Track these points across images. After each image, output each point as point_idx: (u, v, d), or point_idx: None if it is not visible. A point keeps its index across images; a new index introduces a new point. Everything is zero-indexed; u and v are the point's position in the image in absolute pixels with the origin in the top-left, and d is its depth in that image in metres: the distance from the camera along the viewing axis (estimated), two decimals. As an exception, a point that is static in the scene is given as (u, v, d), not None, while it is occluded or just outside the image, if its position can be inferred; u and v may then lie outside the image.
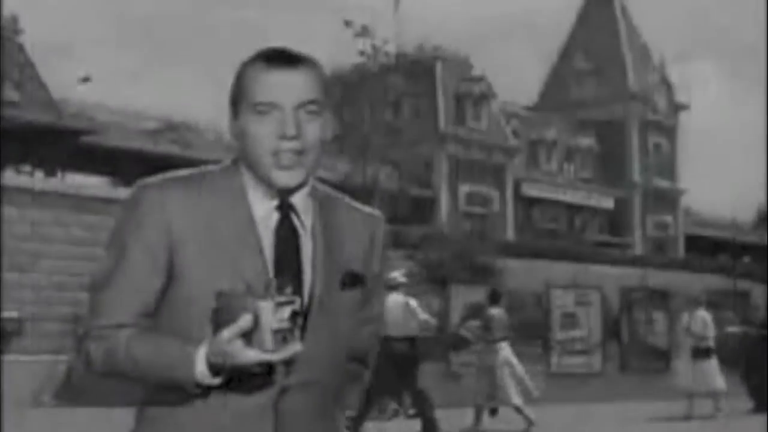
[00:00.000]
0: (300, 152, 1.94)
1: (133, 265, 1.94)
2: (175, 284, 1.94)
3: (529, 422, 12.38)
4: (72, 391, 14.70)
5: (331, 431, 2.04)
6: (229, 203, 1.97)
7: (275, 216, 1.97)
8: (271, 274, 1.93)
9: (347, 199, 2.12)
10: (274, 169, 1.94)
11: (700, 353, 15.10)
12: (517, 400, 12.43)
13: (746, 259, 53.62)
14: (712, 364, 15.06)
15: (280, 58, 1.98)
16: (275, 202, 1.98)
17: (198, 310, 1.89)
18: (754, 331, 16.85)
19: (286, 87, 1.95)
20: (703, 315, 15.31)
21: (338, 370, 2.04)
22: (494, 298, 13.27)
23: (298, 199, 1.99)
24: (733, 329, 16.85)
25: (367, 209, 2.14)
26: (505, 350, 12.70)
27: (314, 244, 1.99)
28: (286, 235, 1.97)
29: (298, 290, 1.89)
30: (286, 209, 1.98)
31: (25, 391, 15.23)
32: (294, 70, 1.96)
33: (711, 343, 15.10)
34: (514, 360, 12.73)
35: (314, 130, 1.95)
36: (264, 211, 1.97)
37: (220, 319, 1.83)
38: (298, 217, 1.99)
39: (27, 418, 13.78)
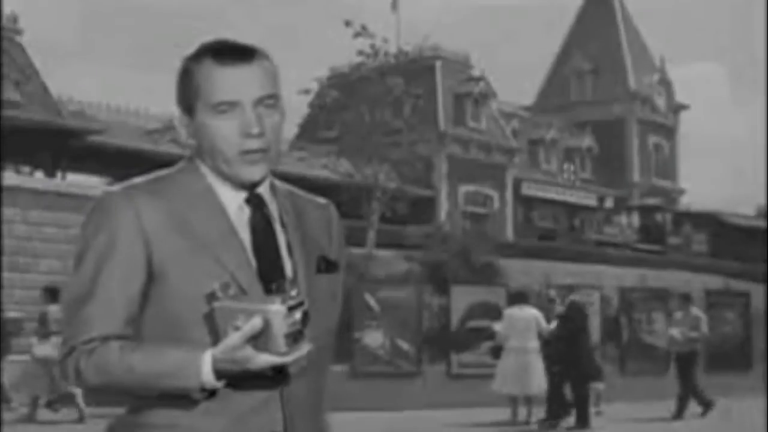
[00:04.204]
0: (264, 148, 1.96)
1: (113, 275, 1.92)
2: (160, 286, 1.93)
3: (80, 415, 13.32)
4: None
5: (325, 412, 2.08)
6: (199, 201, 1.98)
7: (246, 209, 1.99)
8: (254, 265, 1.95)
9: (299, 190, 2.14)
10: (240, 165, 1.96)
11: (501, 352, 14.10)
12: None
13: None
14: (513, 365, 13.86)
15: (232, 54, 1.97)
16: (243, 195, 2.00)
17: (189, 307, 1.90)
18: (559, 329, 14.08)
19: (244, 84, 1.95)
20: (511, 312, 14.17)
21: (328, 353, 2.08)
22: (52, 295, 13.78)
23: (263, 191, 2.02)
24: (549, 326, 14.19)
25: (319, 199, 2.17)
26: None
27: (287, 233, 2.02)
28: (262, 227, 2.00)
29: (282, 279, 1.93)
30: (256, 201, 2.00)
31: (25, 391, 15.19)
32: (249, 65, 1.97)
33: (516, 343, 13.80)
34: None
35: (274, 123, 1.98)
36: (235, 205, 1.99)
37: (220, 323, 1.82)
38: (267, 208, 2.02)
39: (27, 418, 13.78)
